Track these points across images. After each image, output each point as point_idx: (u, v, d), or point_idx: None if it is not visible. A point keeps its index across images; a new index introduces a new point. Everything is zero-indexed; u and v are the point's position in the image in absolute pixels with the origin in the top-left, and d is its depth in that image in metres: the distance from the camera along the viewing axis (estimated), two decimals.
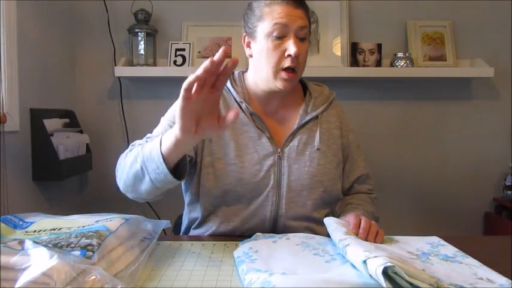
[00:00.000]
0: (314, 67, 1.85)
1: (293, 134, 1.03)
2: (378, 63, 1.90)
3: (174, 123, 0.74)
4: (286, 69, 0.95)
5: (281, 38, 0.94)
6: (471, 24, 1.95)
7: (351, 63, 1.90)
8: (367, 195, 1.11)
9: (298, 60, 0.95)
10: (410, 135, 1.98)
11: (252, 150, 0.99)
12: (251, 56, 1.02)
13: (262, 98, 1.04)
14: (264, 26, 0.95)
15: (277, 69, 0.95)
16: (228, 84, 1.05)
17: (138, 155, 0.81)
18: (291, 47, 0.92)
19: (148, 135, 0.98)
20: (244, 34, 1.03)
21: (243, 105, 1.02)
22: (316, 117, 1.05)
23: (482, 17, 1.95)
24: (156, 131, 1.03)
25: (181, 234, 1.11)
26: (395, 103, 1.98)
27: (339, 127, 1.08)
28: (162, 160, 0.75)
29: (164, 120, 1.04)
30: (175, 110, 0.70)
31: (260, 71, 0.99)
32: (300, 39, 0.95)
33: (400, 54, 1.86)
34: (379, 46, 1.90)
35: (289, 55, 0.93)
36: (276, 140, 1.01)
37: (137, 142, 0.92)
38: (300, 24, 0.94)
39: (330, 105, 1.09)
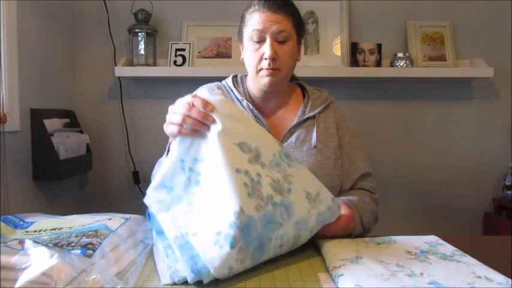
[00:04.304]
0: (314, 67, 1.85)
1: (291, 131, 1.08)
2: (378, 63, 1.90)
3: None
4: (266, 69, 1.03)
5: (260, 42, 1.02)
6: (471, 24, 1.95)
7: (350, 63, 1.90)
8: (368, 192, 1.11)
9: (277, 62, 1.02)
10: (410, 135, 1.98)
11: None
12: (243, 59, 1.10)
13: (260, 98, 1.11)
14: (247, 32, 1.04)
15: (258, 70, 1.04)
16: (231, 85, 1.13)
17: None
18: (266, 50, 1.00)
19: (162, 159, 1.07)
20: (238, 40, 1.12)
21: (244, 103, 1.09)
22: (314, 117, 1.10)
23: (482, 17, 1.94)
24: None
25: None
26: (395, 103, 1.98)
27: (336, 127, 1.12)
28: None
29: None
30: None
31: (249, 72, 1.09)
32: (280, 42, 1.02)
33: (400, 54, 1.86)
34: (379, 46, 1.90)
35: (265, 58, 1.01)
36: (274, 136, 1.04)
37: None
38: (277, 29, 1.01)
39: (327, 107, 1.14)
